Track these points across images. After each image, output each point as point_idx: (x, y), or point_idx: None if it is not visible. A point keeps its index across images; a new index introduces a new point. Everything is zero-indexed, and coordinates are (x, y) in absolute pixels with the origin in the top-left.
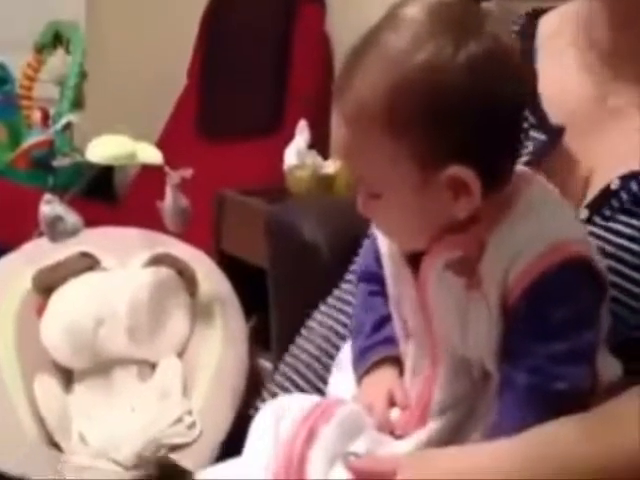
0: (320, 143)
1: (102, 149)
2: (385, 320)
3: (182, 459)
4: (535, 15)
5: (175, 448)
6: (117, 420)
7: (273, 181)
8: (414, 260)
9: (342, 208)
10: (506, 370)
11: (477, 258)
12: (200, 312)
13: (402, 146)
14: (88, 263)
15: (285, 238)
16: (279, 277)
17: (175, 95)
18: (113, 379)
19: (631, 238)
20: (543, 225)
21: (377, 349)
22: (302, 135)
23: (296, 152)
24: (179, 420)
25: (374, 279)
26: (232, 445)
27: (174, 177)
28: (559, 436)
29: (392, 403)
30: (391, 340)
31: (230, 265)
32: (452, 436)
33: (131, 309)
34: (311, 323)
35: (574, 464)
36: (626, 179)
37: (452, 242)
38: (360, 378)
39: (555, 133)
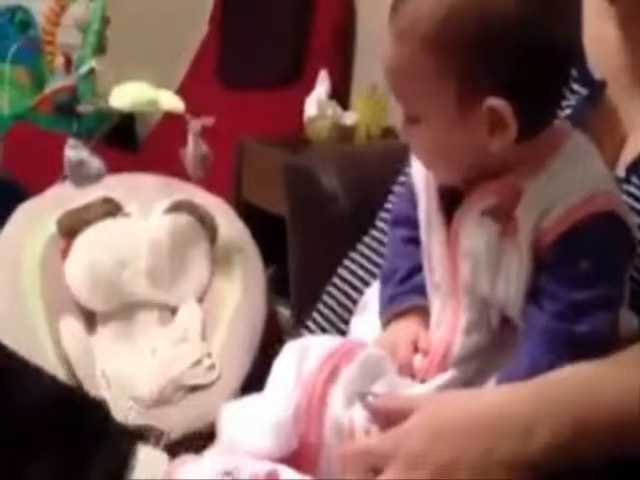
0: (340, 94)
1: (125, 96)
2: (416, 269)
3: (201, 399)
4: None
5: (194, 389)
6: (138, 361)
7: (293, 130)
8: (449, 208)
9: (361, 158)
10: (530, 312)
11: (513, 206)
12: (220, 259)
13: (447, 68)
14: (111, 208)
15: (303, 186)
16: (297, 225)
17: (196, 42)
18: (135, 322)
19: None
20: (581, 176)
21: (407, 297)
22: (322, 85)
23: (317, 102)
24: (198, 362)
25: (409, 223)
26: (250, 391)
27: (195, 125)
28: (576, 378)
29: (415, 349)
30: (421, 290)
31: (250, 213)
32: (470, 384)
33: (152, 254)
34: (341, 271)
35: (590, 405)
36: None
37: (488, 189)
38: (386, 323)
39: (597, 88)
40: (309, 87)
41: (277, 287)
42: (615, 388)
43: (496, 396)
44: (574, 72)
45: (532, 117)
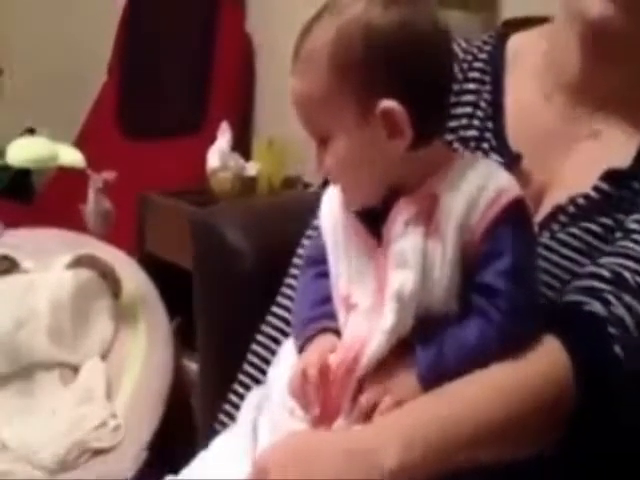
0: (241, 145)
1: (22, 152)
2: (325, 300)
3: (106, 462)
4: (505, 34)
5: (99, 452)
6: (38, 424)
7: (196, 182)
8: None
9: (266, 213)
10: (479, 302)
11: (432, 209)
12: (123, 314)
13: (344, 82)
14: (7, 265)
15: (210, 242)
16: (204, 280)
17: (94, 92)
18: (34, 383)
19: (576, 249)
20: (486, 173)
21: (320, 321)
22: (224, 137)
23: (218, 154)
24: (103, 424)
25: (317, 262)
26: (157, 448)
27: (97, 180)
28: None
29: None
30: (331, 315)
31: (154, 266)
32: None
33: (52, 310)
34: (264, 327)
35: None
36: (574, 197)
37: (406, 201)
38: (302, 346)
39: (513, 159)
40: (211, 137)
41: (183, 339)
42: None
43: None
44: (493, 142)
45: (423, 121)
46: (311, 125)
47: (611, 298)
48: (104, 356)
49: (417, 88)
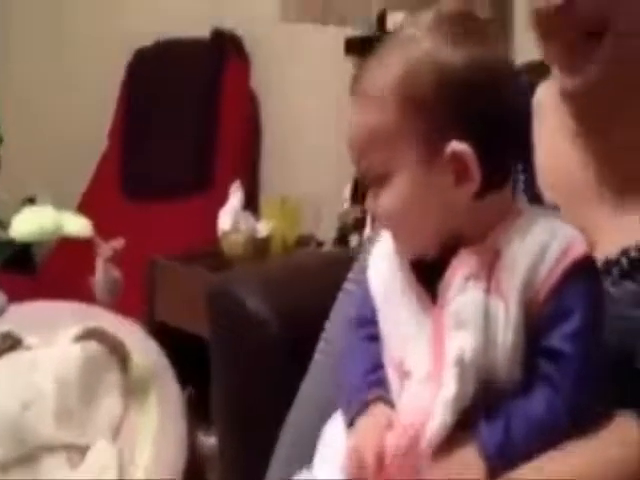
0: (251, 203)
1: (26, 225)
2: (379, 365)
3: None
4: (532, 84)
5: None
6: None
7: (206, 244)
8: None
9: (284, 276)
10: (545, 368)
11: (493, 265)
12: (133, 389)
13: (413, 120)
14: (9, 343)
15: (228, 309)
16: (223, 349)
17: (94, 158)
18: (39, 467)
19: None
20: (550, 230)
21: (371, 390)
22: (236, 197)
23: (231, 215)
24: None
25: (368, 323)
26: None
27: (106, 250)
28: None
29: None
30: (384, 383)
31: (164, 334)
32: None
33: (59, 389)
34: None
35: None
36: (627, 249)
37: (466, 256)
38: (352, 419)
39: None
40: (218, 197)
41: (196, 411)
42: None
43: None
44: (527, 195)
45: (493, 167)
46: (368, 162)
47: None
48: (114, 435)
49: (488, 130)
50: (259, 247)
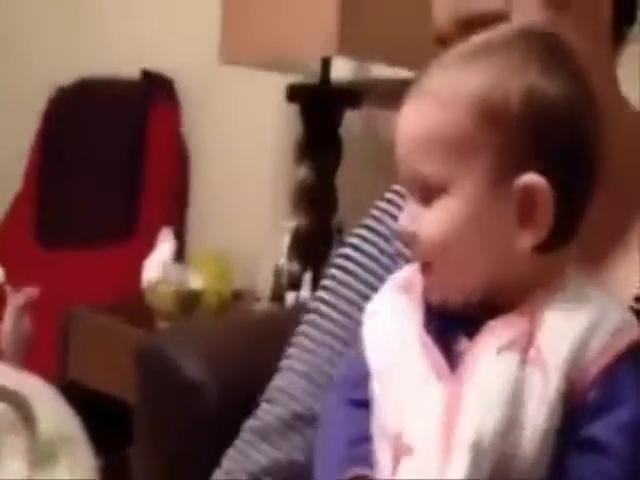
0: (178, 254)
1: None
2: (365, 438)
3: None
4: None
5: None
6: None
7: (129, 295)
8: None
9: (224, 336)
10: (585, 464)
11: (533, 333)
12: (40, 453)
13: (490, 135)
14: None
15: (161, 372)
16: (152, 416)
17: (9, 200)
18: None
19: None
20: (602, 308)
21: (351, 468)
22: (165, 245)
23: (160, 265)
24: None
25: (359, 384)
26: None
27: (18, 298)
28: None
29: None
30: (369, 460)
31: (77, 395)
32: None
33: None
34: None
35: None
36: None
37: (506, 321)
38: None
39: None
40: (142, 247)
41: None
42: None
43: None
44: None
45: (566, 214)
46: (418, 170)
47: None
48: None
49: (571, 171)
50: (190, 301)
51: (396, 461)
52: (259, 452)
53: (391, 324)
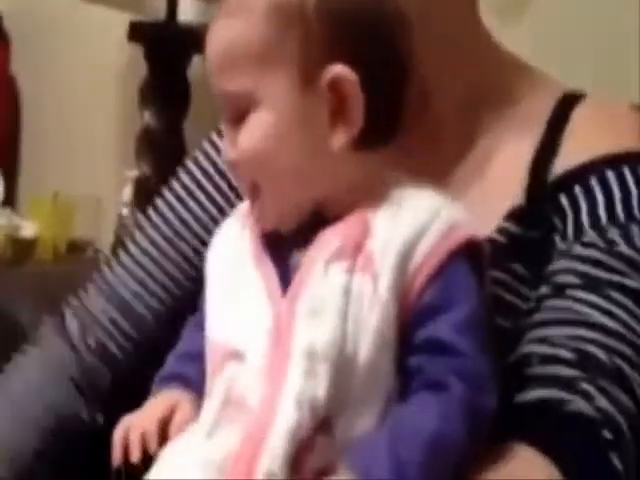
0: (12, 199)
1: None
2: (197, 354)
3: None
4: (570, 102)
5: None
6: None
7: None
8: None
9: (59, 285)
10: (430, 365)
11: (363, 239)
12: None
13: (287, 38)
14: None
15: None
16: None
17: None
18: None
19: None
20: (434, 206)
21: (171, 382)
22: None
23: None
24: None
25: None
26: None
27: None
28: None
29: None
30: (185, 378)
31: None
32: None
33: None
34: None
35: None
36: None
37: (334, 232)
38: None
39: None
40: None
41: None
42: None
43: None
44: None
45: (379, 107)
46: (227, 91)
47: (588, 388)
48: None
49: (375, 62)
50: (22, 250)
51: (221, 365)
52: None
53: (227, 242)
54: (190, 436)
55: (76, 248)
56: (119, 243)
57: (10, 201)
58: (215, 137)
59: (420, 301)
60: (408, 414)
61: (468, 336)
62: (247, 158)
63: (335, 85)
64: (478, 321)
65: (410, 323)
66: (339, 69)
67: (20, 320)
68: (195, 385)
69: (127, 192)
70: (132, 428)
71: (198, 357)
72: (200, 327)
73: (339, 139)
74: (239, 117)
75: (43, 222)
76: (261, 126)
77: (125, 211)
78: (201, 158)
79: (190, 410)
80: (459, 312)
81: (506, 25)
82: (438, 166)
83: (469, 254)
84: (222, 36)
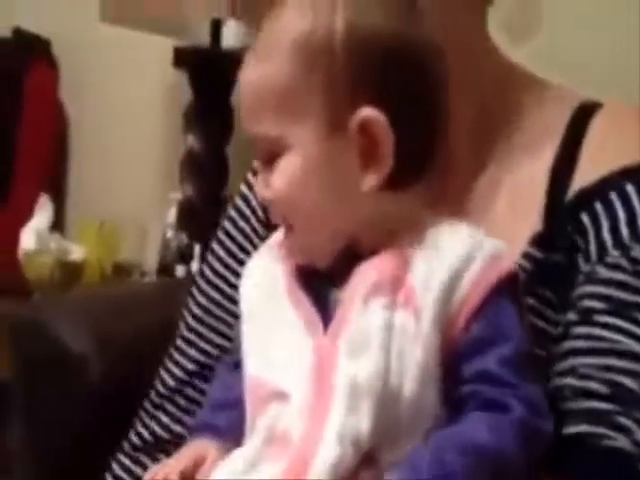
0: (60, 224)
1: None
2: (233, 400)
3: None
4: (587, 112)
5: None
6: None
7: (3, 266)
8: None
9: (107, 308)
10: (486, 392)
11: (400, 276)
12: None
13: (313, 80)
14: None
15: (40, 348)
16: (30, 396)
17: None
18: None
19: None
20: (472, 242)
21: (204, 432)
22: (43, 213)
23: (35, 234)
24: None
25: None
26: None
27: None
28: None
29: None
30: (220, 428)
31: None
32: None
33: None
34: None
35: None
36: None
37: (370, 267)
38: None
39: None
40: (17, 214)
41: None
42: None
43: None
44: None
45: (409, 147)
46: (257, 132)
47: (626, 422)
48: None
49: (404, 105)
50: (70, 273)
51: (264, 404)
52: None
53: (265, 282)
54: (231, 464)
55: (122, 270)
56: (164, 265)
57: (58, 225)
58: (251, 177)
59: (467, 334)
60: (455, 429)
61: (517, 369)
62: (277, 199)
63: (364, 128)
64: (525, 353)
65: (456, 355)
66: (368, 112)
67: (68, 342)
68: (225, 434)
69: (171, 214)
70: (156, 477)
71: (230, 405)
72: (234, 369)
73: (370, 180)
74: (271, 158)
75: (90, 246)
76: (290, 169)
77: (170, 233)
78: (240, 203)
79: (218, 458)
80: (507, 346)
81: (516, 45)
82: (451, 197)
83: (510, 284)
84: (250, 79)
